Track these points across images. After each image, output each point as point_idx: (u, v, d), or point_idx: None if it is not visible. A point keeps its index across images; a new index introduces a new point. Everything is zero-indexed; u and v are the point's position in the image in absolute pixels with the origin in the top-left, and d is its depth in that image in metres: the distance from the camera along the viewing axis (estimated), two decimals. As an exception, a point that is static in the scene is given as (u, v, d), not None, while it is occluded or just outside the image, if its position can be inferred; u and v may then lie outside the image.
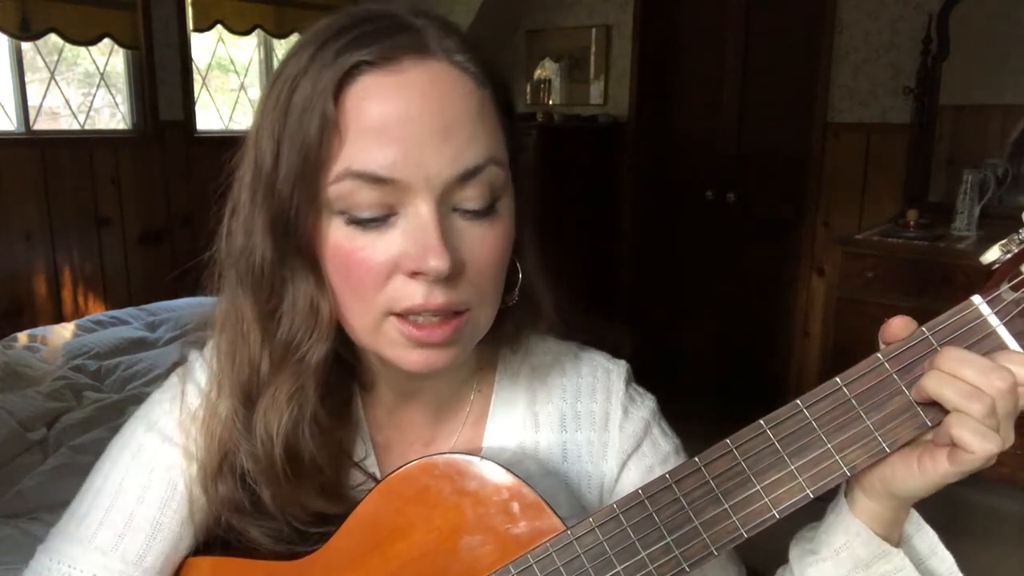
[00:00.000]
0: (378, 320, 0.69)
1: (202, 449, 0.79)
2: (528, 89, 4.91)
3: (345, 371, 0.80)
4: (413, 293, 0.66)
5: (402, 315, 0.68)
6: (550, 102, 4.85)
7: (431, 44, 0.67)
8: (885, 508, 0.67)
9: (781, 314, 4.21)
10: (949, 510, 3.00)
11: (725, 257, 4.35)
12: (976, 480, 2.94)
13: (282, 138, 0.67)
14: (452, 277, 0.66)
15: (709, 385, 4.33)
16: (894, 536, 0.68)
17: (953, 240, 3.22)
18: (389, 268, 0.67)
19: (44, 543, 0.83)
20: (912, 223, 3.33)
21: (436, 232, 0.65)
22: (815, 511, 0.74)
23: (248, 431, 0.74)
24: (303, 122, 0.65)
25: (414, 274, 0.66)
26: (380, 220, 0.66)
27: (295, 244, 0.69)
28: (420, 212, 0.66)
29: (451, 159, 0.65)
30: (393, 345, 0.70)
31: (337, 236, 0.68)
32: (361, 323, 0.70)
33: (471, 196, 0.68)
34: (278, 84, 0.68)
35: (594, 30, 4.60)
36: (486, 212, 0.69)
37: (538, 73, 4.86)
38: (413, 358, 0.70)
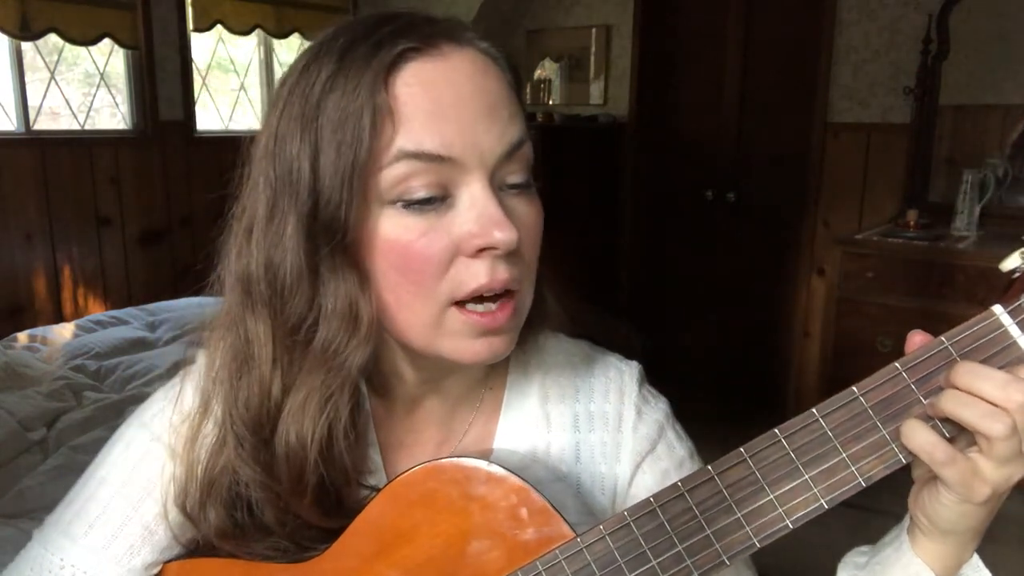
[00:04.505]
0: (439, 312, 0.69)
1: (181, 477, 0.77)
2: (528, 89, 4.90)
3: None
4: (478, 272, 0.67)
5: (462, 304, 0.68)
6: (550, 102, 4.84)
7: (459, 33, 0.70)
8: (944, 548, 0.65)
9: (781, 314, 4.21)
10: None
11: (725, 257, 4.35)
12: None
13: (320, 141, 0.66)
14: (512, 253, 0.68)
15: (709, 385, 4.33)
16: None
17: (953, 240, 3.22)
18: (451, 252, 0.67)
19: (40, 531, 0.83)
20: (912, 223, 3.33)
21: (498, 206, 0.67)
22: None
23: (254, 458, 0.73)
24: (349, 118, 0.65)
25: (479, 252, 0.67)
26: (437, 201, 0.67)
27: (342, 244, 0.68)
28: (475, 190, 0.67)
29: (499, 136, 0.68)
30: (454, 337, 0.70)
31: (392, 228, 0.67)
32: (420, 319, 0.70)
33: (514, 171, 0.70)
34: (299, 92, 0.68)
35: (594, 30, 4.59)
36: (527, 186, 0.72)
37: (538, 73, 4.85)
38: (476, 348, 0.70)
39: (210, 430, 0.77)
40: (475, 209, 0.67)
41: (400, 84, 0.66)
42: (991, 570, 0.68)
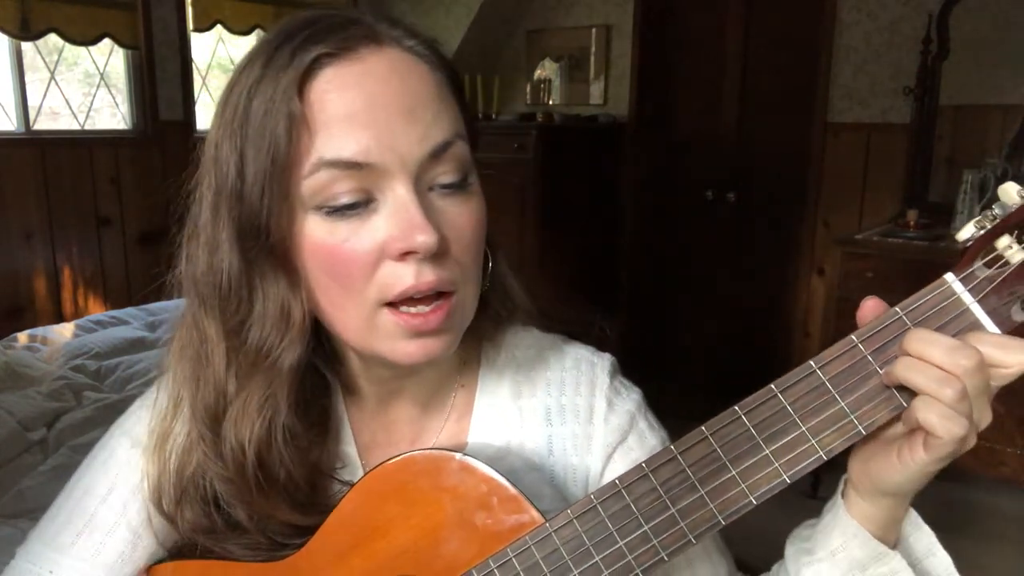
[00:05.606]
0: (371, 314, 0.69)
1: (155, 476, 0.79)
2: (528, 89, 4.91)
3: (321, 379, 0.80)
4: (403, 275, 0.67)
5: (395, 305, 0.68)
6: (550, 102, 4.84)
7: (382, 33, 0.70)
8: (879, 508, 0.66)
9: (781, 314, 4.21)
10: (950, 510, 2.99)
11: (725, 257, 4.35)
12: (976, 480, 2.93)
13: (244, 146, 0.67)
14: (439, 254, 0.68)
15: (709, 384, 4.31)
16: (891, 537, 0.68)
17: (953, 240, 3.20)
18: (376, 255, 0.67)
19: (25, 546, 0.84)
20: (912, 223, 3.33)
21: (418, 209, 0.66)
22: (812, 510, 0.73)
23: (216, 455, 0.74)
24: (267, 124, 0.66)
25: (403, 256, 0.67)
26: (360, 206, 0.67)
27: (267, 247, 0.69)
28: (398, 194, 0.67)
29: (420, 138, 0.67)
30: (388, 339, 0.70)
31: (317, 232, 0.68)
32: (354, 321, 0.70)
33: (444, 171, 0.69)
34: (232, 97, 0.69)
35: (594, 30, 4.59)
36: (460, 186, 0.71)
37: (538, 73, 4.85)
38: (410, 349, 0.70)
39: (181, 429, 0.78)
40: (397, 214, 0.67)
41: (316, 91, 0.66)
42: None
